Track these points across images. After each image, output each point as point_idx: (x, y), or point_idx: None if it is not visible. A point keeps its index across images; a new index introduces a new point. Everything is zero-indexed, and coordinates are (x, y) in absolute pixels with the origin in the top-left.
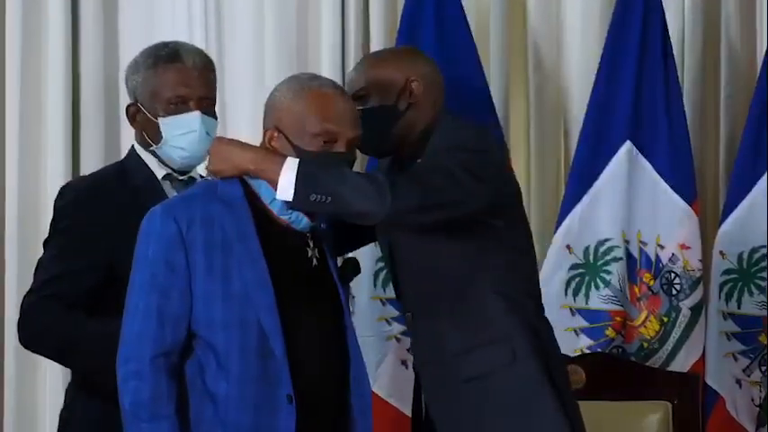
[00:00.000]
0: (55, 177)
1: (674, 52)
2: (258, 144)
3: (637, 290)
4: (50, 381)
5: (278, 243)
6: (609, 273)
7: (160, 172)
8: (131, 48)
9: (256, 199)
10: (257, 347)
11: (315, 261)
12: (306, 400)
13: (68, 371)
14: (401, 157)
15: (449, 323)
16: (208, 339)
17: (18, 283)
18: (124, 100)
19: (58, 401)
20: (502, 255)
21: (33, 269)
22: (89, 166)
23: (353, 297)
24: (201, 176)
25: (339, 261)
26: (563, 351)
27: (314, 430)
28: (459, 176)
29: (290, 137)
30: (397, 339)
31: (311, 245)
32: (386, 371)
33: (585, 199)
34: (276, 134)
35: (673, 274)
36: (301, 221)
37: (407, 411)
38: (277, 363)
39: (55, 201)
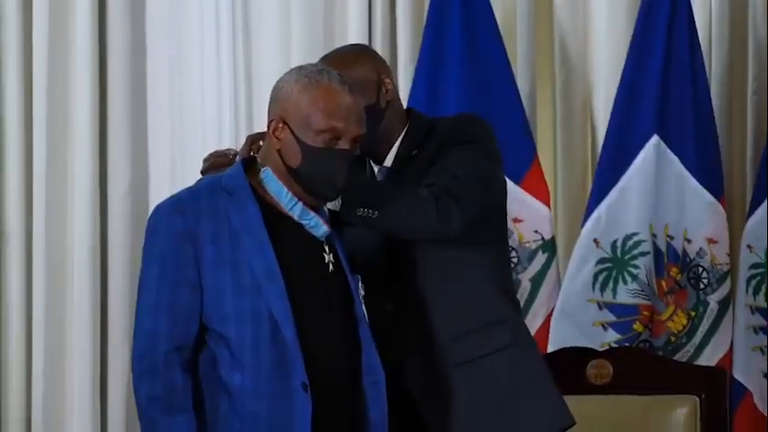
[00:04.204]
0: (82, 179)
1: (702, 47)
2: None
3: (664, 284)
4: (79, 379)
5: (286, 232)
6: (636, 267)
7: None
8: (158, 45)
9: (263, 191)
10: (270, 338)
11: (327, 259)
12: (321, 388)
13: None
14: (372, 158)
15: (439, 309)
16: (220, 332)
17: (46, 283)
18: (152, 100)
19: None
20: (491, 243)
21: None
22: (116, 168)
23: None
24: None
25: None
26: (590, 345)
27: (330, 418)
28: (493, 167)
29: (295, 130)
30: None
31: (326, 249)
32: None
33: (613, 193)
34: (281, 125)
35: (700, 269)
36: (320, 228)
37: None
38: (290, 351)
39: None
